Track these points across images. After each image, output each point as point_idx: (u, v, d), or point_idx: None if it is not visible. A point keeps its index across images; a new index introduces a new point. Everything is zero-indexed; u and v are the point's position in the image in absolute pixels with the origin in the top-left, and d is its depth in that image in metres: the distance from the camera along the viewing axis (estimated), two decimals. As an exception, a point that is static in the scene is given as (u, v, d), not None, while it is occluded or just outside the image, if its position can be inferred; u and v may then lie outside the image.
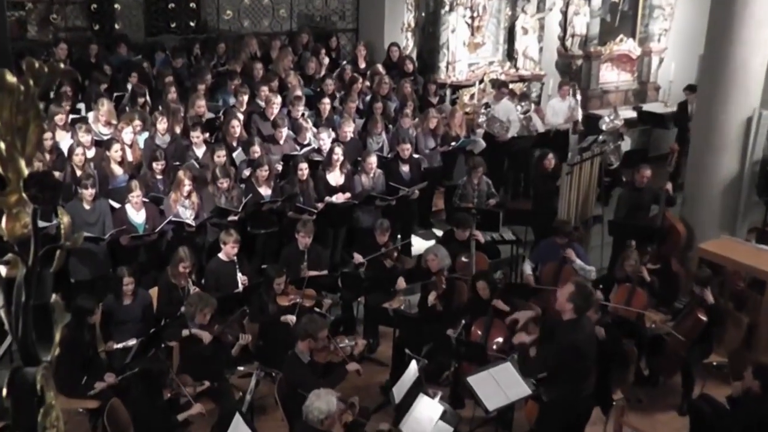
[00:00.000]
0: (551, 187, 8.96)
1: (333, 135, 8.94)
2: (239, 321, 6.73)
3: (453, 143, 9.68)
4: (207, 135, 8.55)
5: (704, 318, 6.79)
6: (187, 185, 7.47)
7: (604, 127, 10.66)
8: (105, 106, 8.44)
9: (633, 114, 12.55)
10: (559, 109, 11.08)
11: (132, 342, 6.32)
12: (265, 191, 7.98)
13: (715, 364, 7.14)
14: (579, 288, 5.22)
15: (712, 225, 8.42)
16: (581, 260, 7.57)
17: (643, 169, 8.56)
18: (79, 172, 7.50)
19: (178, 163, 8.08)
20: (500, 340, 6.75)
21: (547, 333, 5.44)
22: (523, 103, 10.76)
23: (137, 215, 7.38)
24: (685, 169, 9.33)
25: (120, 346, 6.37)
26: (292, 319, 6.73)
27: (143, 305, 6.71)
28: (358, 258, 7.73)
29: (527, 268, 7.82)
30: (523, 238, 8.93)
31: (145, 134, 8.44)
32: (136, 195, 7.30)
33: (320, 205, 8.18)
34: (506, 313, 6.63)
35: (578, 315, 5.19)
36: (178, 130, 8.58)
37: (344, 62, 11.25)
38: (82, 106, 9.15)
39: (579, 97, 11.51)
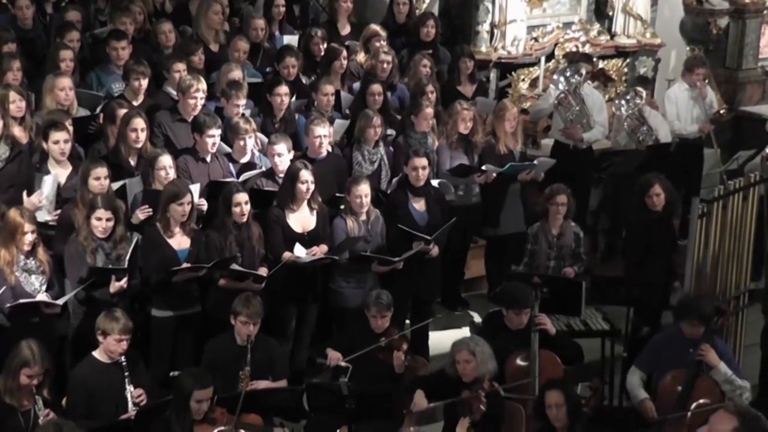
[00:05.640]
0: (663, 240, 9.12)
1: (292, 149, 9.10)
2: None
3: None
4: (75, 145, 8.70)
5: None
6: (29, 234, 7.58)
7: None
8: None
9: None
10: (686, 105, 11.27)
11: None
12: (179, 244, 8.10)
13: None
14: (746, 421, 5.19)
15: None
16: (727, 366, 7.63)
17: None
18: None
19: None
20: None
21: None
22: (628, 97, 10.89)
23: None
24: None
25: None
26: None
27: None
28: (333, 357, 7.83)
29: (636, 382, 7.84)
30: (624, 328, 8.99)
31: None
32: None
33: (293, 256, 8.29)
34: None
35: None
36: (21, 136, 8.72)
37: (314, 28, 11.36)
38: None
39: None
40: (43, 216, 8.01)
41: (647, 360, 7.97)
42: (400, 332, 8.06)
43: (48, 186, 8.17)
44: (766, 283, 9.23)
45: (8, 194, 8.12)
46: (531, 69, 12.07)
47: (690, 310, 7.75)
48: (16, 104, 8.75)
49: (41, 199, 8.07)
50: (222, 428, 6.99)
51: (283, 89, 9.61)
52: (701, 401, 7.37)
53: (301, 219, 8.56)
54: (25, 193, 8.12)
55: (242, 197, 8.21)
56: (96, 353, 7.17)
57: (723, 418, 5.27)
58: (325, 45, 10.72)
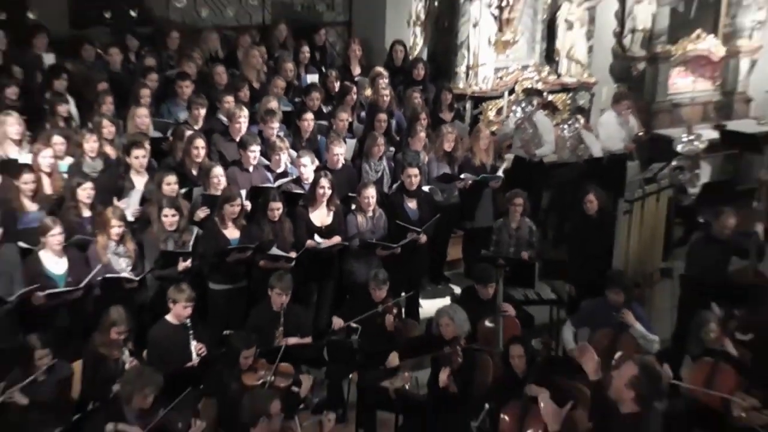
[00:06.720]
0: (598, 237, 9.20)
1: (317, 161, 9.22)
2: (192, 404, 6.85)
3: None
4: (151, 160, 8.84)
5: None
6: (117, 226, 7.73)
7: (680, 149, 10.86)
8: (13, 120, 8.59)
9: (714, 134, 12.69)
10: (615, 128, 11.35)
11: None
12: (231, 234, 8.25)
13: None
14: (644, 370, 5.23)
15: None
16: (642, 325, 7.78)
17: (726, 216, 8.69)
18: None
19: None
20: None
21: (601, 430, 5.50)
22: (569, 122, 11.10)
23: (56, 264, 7.55)
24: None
25: None
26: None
27: (60, 382, 6.83)
28: (337, 323, 7.96)
29: (569, 336, 8.03)
30: (567, 297, 9.22)
31: (69, 159, 8.65)
32: (56, 236, 7.46)
33: (314, 243, 8.44)
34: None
35: (642, 408, 5.20)
36: (111, 153, 8.86)
37: (330, 69, 11.45)
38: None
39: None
40: (126, 216, 8.09)
41: (579, 319, 8.14)
42: (394, 301, 8.11)
43: (134, 197, 8.37)
44: (686, 265, 9.14)
45: (101, 197, 8.17)
46: (497, 101, 12.11)
47: (613, 281, 7.89)
48: (108, 129, 8.91)
49: (126, 206, 8.20)
50: (262, 372, 7.15)
51: (309, 116, 9.75)
52: (622, 353, 7.37)
53: (320, 216, 8.66)
54: (115, 198, 8.31)
55: (276, 205, 8.34)
56: (168, 317, 7.33)
57: (628, 366, 5.32)
58: (339, 83, 10.81)
